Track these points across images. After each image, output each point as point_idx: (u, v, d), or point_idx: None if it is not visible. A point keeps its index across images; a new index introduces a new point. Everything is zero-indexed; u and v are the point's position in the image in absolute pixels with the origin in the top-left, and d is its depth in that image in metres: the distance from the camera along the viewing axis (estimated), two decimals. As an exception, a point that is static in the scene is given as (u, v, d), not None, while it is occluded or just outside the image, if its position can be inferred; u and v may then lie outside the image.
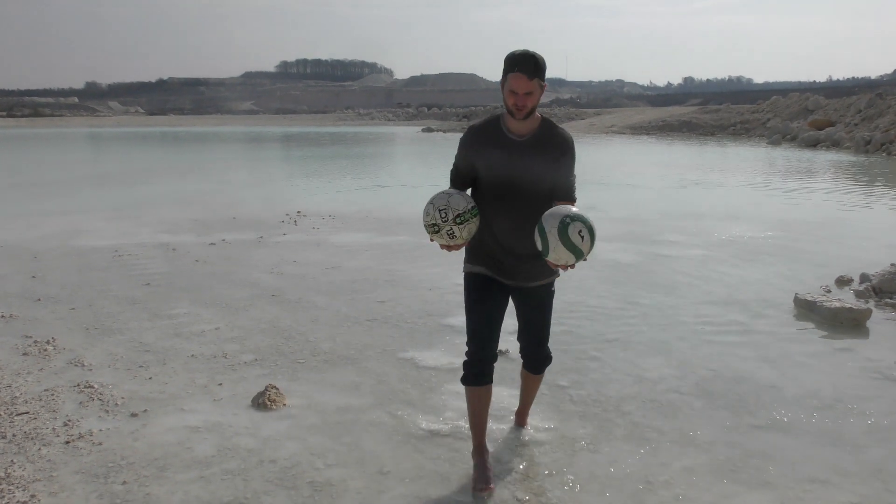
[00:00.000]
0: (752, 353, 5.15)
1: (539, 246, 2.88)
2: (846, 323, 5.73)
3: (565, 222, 2.80)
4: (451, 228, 3.00)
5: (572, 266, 2.90)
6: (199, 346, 5.26)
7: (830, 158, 25.21)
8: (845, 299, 6.23)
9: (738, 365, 4.92)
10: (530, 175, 3.11)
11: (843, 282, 7.11)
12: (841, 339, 5.49)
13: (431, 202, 3.03)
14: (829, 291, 6.75)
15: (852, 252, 8.68)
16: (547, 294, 3.46)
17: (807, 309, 6.05)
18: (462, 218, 3.00)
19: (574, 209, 2.90)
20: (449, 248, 3.10)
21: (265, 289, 6.97)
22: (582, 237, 2.81)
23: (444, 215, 2.99)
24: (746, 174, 19.83)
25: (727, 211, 12.40)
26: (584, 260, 2.89)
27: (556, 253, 2.83)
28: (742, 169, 21.66)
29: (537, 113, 3.16)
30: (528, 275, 3.34)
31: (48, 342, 5.30)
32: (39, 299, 6.55)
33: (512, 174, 3.12)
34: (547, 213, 2.91)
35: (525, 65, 2.97)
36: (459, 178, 3.28)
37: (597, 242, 2.86)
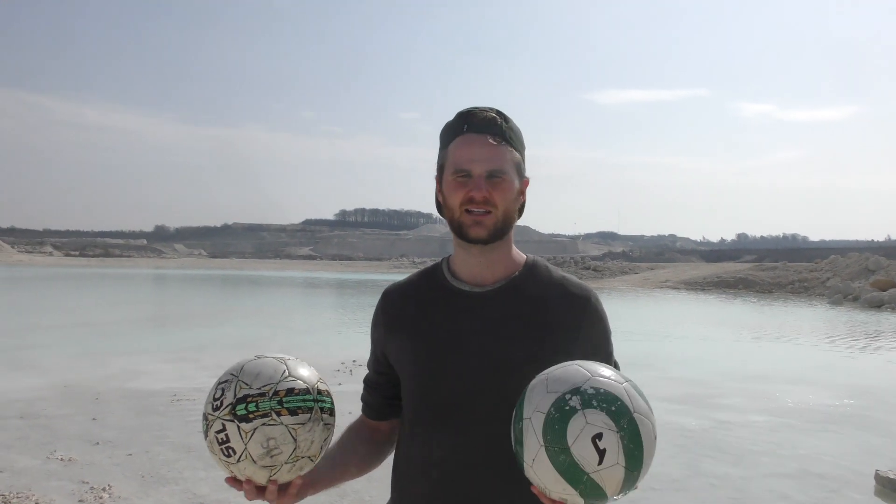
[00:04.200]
0: (835, 536, 4.81)
1: (514, 450, 1.30)
2: (935, 505, 5.33)
3: (566, 405, 1.22)
4: (224, 429, 1.33)
5: None
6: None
7: (896, 321, 24.45)
8: (931, 478, 5.83)
9: (820, 549, 4.58)
10: (502, 363, 1.47)
11: (926, 458, 6.68)
12: (931, 524, 5.09)
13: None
14: (911, 468, 6.34)
15: (932, 424, 8.22)
16: None
17: (890, 488, 5.67)
18: (252, 408, 1.33)
19: (607, 374, 1.28)
20: (246, 488, 1.39)
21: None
22: (601, 451, 1.19)
23: (217, 398, 1.36)
24: (810, 335, 19.30)
25: (793, 374, 11.98)
26: (609, 502, 1.24)
27: (536, 471, 1.24)
28: (805, 329, 21.12)
29: (518, 251, 1.60)
30: None
31: (104, 489, 5.28)
32: (98, 443, 6.59)
33: (452, 359, 1.49)
34: (539, 377, 1.32)
35: (482, 119, 1.48)
36: (373, 390, 1.68)
37: (653, 404, 1.28)
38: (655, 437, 1.26)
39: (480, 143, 1.45)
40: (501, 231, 1.49)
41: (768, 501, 5.48)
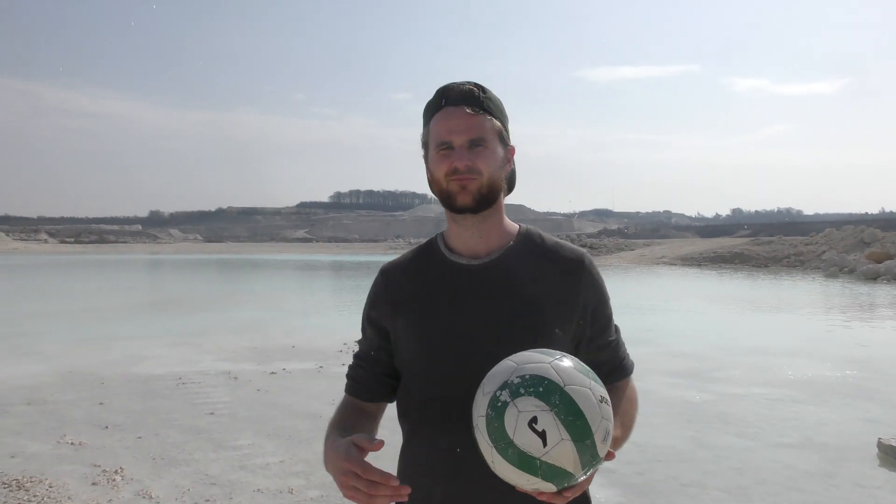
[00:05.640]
0: None
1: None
2: (937, 472, 5.41)
3: (498, 402, 1.23)
4: None
5: (559, 497, 1.25)
6: (265, 480, 5.21)
7: (894, 292, 24.60)
8: (933, 445, 5.91)
9: (826, 516, 4.65)
10: (499, 336, 1.46)
11: (926, 426, 6.76)
12: (934, 490, 5.17)
13: None
14: (913, 436, 6.42)
15: (931, 393, 8.30)
16: None
17: (893, 455, 5.75)
18: None
19: (535, 359, 1.27)
20: None
21: (327, 421, 6.92)
22: (541, 433, 1.19)
23: None
24: (807, 307, 19.41)
25: (792, 346, 12.06)
26: (580, 476, 1.23)
27: (499, 470, 1.25)
28: (802, 302, 21.24)
29: (510, 220, 1.62)
30: None
31: (116, 472, 5.32)
32: (107, 427, 6.62)
33: (457, 339, 1.50)
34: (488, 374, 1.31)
35: (459, 92, 1.50)
36: (370, 365, 1.65)
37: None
38: (601, 401, 1.24)
39: (459, 115, 1.48)
40: (487, 198, 1.50)
41: (773, 471, 5.55)
